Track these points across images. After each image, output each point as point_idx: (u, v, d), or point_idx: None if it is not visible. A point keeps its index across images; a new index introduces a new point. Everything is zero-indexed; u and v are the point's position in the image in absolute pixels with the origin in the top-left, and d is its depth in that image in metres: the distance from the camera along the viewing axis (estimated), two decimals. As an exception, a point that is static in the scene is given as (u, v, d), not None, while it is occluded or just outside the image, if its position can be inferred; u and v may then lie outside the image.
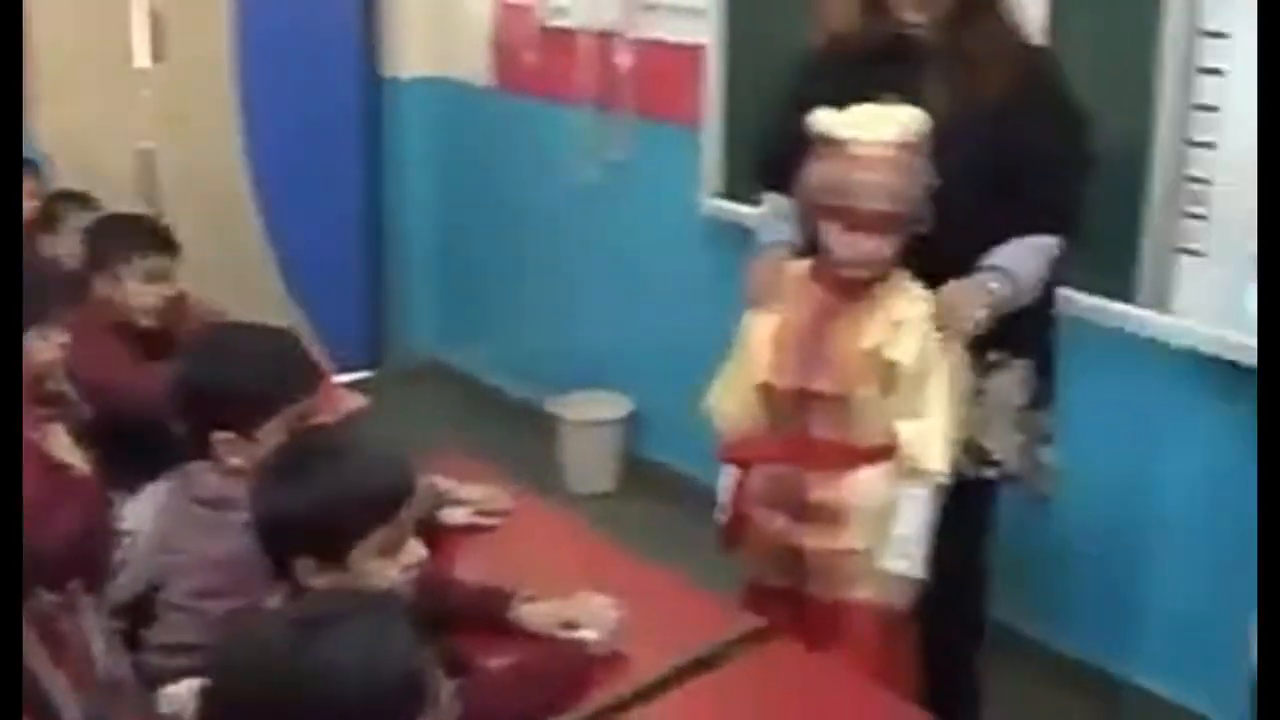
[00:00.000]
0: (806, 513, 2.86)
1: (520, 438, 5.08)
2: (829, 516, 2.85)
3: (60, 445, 2.77)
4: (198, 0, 5.22)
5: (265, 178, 5.49)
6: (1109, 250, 3.30)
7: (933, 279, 2.83)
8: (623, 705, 2.32)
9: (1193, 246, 3.36)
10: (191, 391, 2.44)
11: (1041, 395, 3.08)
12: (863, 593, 2.85)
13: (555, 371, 5.34)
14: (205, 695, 1.77)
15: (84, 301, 3.38)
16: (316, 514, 2.05)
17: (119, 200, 4.17)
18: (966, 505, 3.03)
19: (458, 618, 2.42)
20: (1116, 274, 3.40)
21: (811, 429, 2.87)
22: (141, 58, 5.13)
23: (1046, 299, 3.01)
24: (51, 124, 4.75)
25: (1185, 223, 3.36)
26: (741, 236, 4.25)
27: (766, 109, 3.14)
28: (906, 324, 2.79)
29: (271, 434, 2.37)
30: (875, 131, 2.74)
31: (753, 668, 2.48)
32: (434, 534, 2.45)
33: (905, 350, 2.78)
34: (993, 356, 2.99)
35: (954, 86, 2.87)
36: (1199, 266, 3.35)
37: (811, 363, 2.84)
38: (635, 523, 4.25)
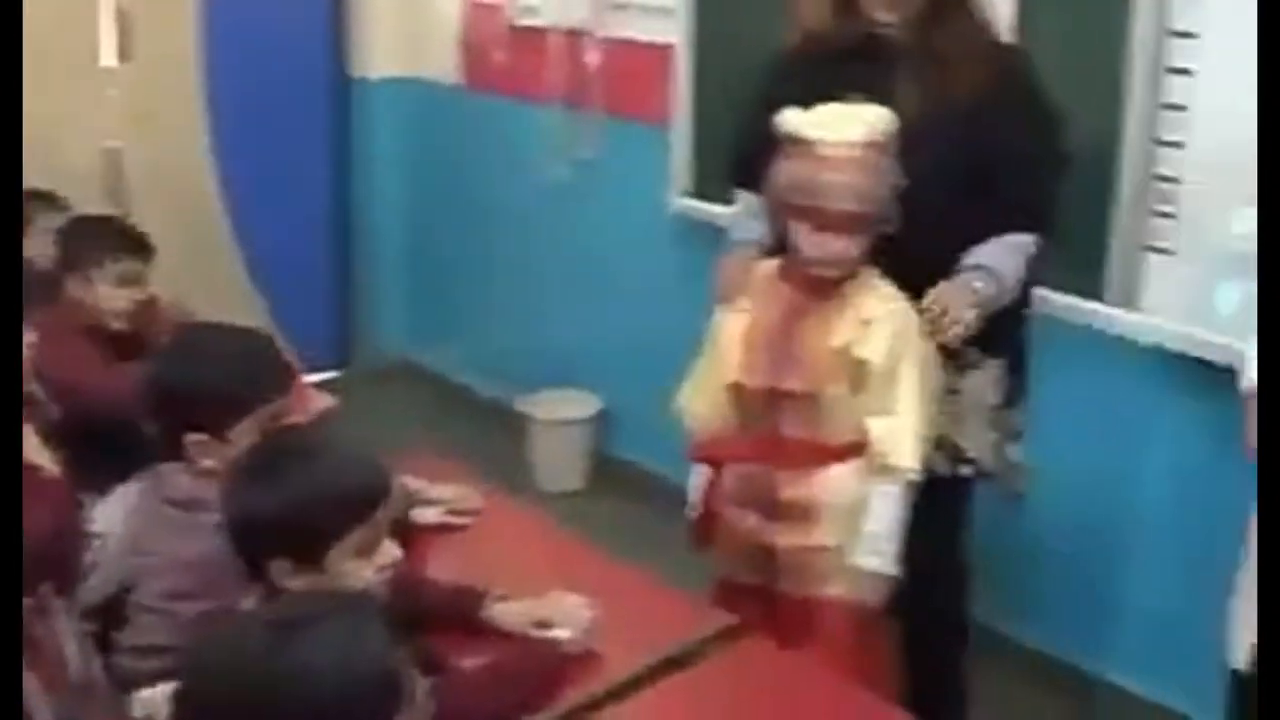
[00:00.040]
0: (778, 511, 2.87)
1: (489, 437, 5.07)
2: (800, 514, 2.86)
3: (29, 446, 2.75)
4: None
5: (233, 177, 5.46)
6: (1078, 248, 3.31)
7: (908, 278, 2.83)
8: (596, 704, 2.33)
9: (1161, 245, 3.37)
10: (163, 392, 2.44)
11: (1014, 393, 3.10)
12: (834, 590, 2.86)
13: (524, 370, 5.34)
14: (179, 698, 1.76)
15: (55, 302, 3.36)
16: (292, 515, 2.05)
17: (86, 200, 4.14)
18: (943, 504, 3.06)
19: (431, 617, 2.42)
20: (1086, 272, 3.41)
21: (782, 428, 2.87)
22: (108, 57, 5.10)
23: (1022, 298, 3.03)
24: (18, 123, 4.71)
25: (1154, 221, 3.37)
26: (711, 235, 4.25)
27: (738, 107, 3.14)
28: (876, 322, 2.80)
29: (244, 435, 2.36)
30: (842, 132, 2.74)
31: (725, 665, 2.49)
32: (406, 534, 2.44)
33: (875, 348, 2.79)
34: (967, 356, 3.00)
35: (926, 86, 2.88)
36: (1168, 265, 3.37)
37: (781, 361, 2.85)
38: (604, 521, 4.24)
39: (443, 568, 2.68)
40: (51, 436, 2.86)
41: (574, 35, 4.88)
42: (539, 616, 2.44)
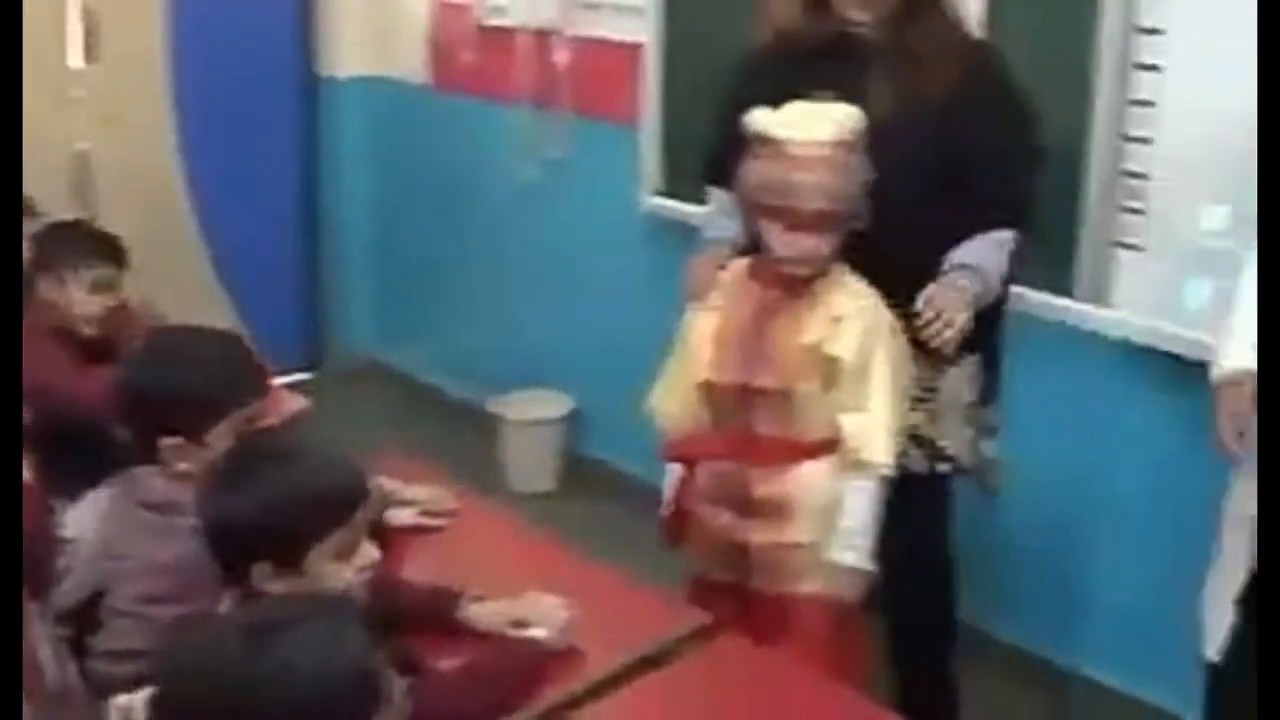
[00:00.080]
0: (751, 508, 2.87)
1: (459, 437, 5.06)
2: (774, 511, 2.86)
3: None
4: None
5: (200, 177, 5.44)
6: (1049, 245, 3.32)
7: (885, 277, 2.84)
8: (573, 703, 2.33)
9: (1131, 241, 3.39)
10: (137, 396, 2.42)
11: (989, 390, 3.12)
12: (810, 586, 2.87)
13: (494, 371, 5.33)
14: (156, 703, 1.76)
15: (27, 303, 3.34)
16: (272, 518, 2.04)
17: (54, 201, 4.12)
18: (923, 501, 3.09)
19: (407, 618, 2.41)
20: (1056, 268, 3.43)
21: (754, 425, 2.88)
22: (75, 58, 5.07)
23: (1001, 295, 3.04)
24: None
25: (1123, 217, 3.39)
26: (681, 234, 4.25)
27: (710, 106, 3.14)
28: (847, 319, 2.81)
29: (219, 438, 2.35)
30: (811, 131, 2.75)
31: (701, 664, 2.49)
32: (381, 535, 2.43)
33: (846, 345, 2.80)
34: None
35: (899, 84, 2.89)
36: (1137, 261, 3.39)
37: (753, 359, 2.85)
38: (577, 521, 4.24)
39: (418, 569, 2.68)
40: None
41: (542, 35, 4.87)
42: (515, 616, 2.44)
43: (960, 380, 3.06)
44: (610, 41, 4.66)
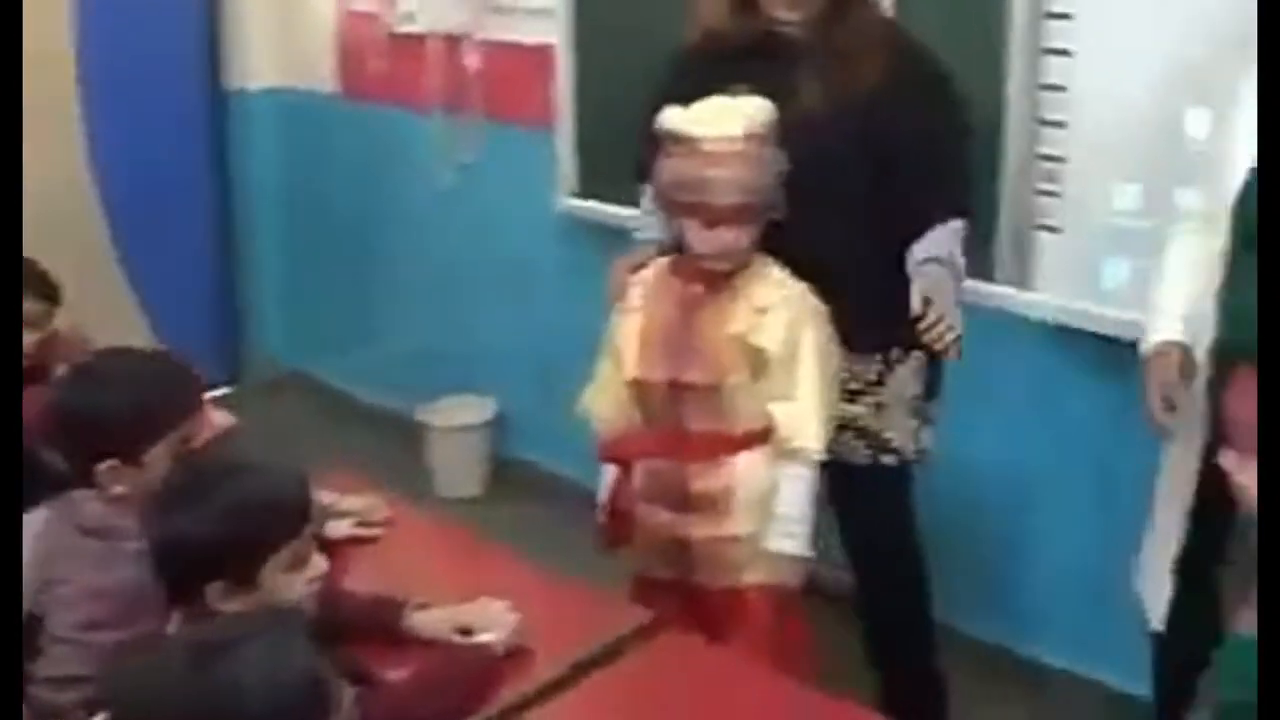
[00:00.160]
0: (689, 504, 2.88)
1: (384, 446, 5.04)
2: (712, 505, 2.87)
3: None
4: (38, 17, 5.09)
5: (111, 193, 5.37)
6: (969, 230, 3.35)
7: (821, 270, 2.85)
8: (521, 706, 2.32)
9: (1049, 223, 3.43)
10: (71, 419, 2.39)
11: (934, 383, 3.14)
12: (751, 577, 2.88)
13: (416, 378, 5.30)
14: (110, 726, 1.75)
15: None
16: (229, 532, 2.04)
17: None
18: (876, 494, 3.14)
19: (352, 629, 2.40)
20: (977, 253, 3.44)
21: (687, 421, 2.89)
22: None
23: None
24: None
25: (1040, 200, 3.43)
26: (599, 234, 4.27)
27: (626, 106, 3.14)
28: (771, 310, 2.82)
29: (156, 459, 2.33)
30: (722, 126, 2.76)
31: (646, 662, 2.49)
32: (322, 547, 2.42)
33: (771, 335, 2.81)
34: (894, 354, 3.05)
35: (828, 82, 2.91)
36: (1056, 243, 3.42)
37: (680, 355, 2.86)
38: (506, 525, 4.23)
39: (357, 579, 2.66)
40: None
41: (453, 40, 4.86)
42: (460, 623, 2.44)
43: (906, 375, 3.09)
44: (521, 45, 4.65)
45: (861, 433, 3.08)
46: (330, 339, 5.86)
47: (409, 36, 5.02)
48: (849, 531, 3.23)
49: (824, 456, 2.86)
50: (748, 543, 2.85)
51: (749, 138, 2.77)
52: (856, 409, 3.06)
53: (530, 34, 4.60)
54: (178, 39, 5.54)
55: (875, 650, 3.35)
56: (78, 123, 5.27)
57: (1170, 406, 2.50)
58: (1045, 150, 3.39)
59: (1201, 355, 2.54)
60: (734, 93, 2.80)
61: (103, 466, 2.33)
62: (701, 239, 2.82)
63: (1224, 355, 2.44)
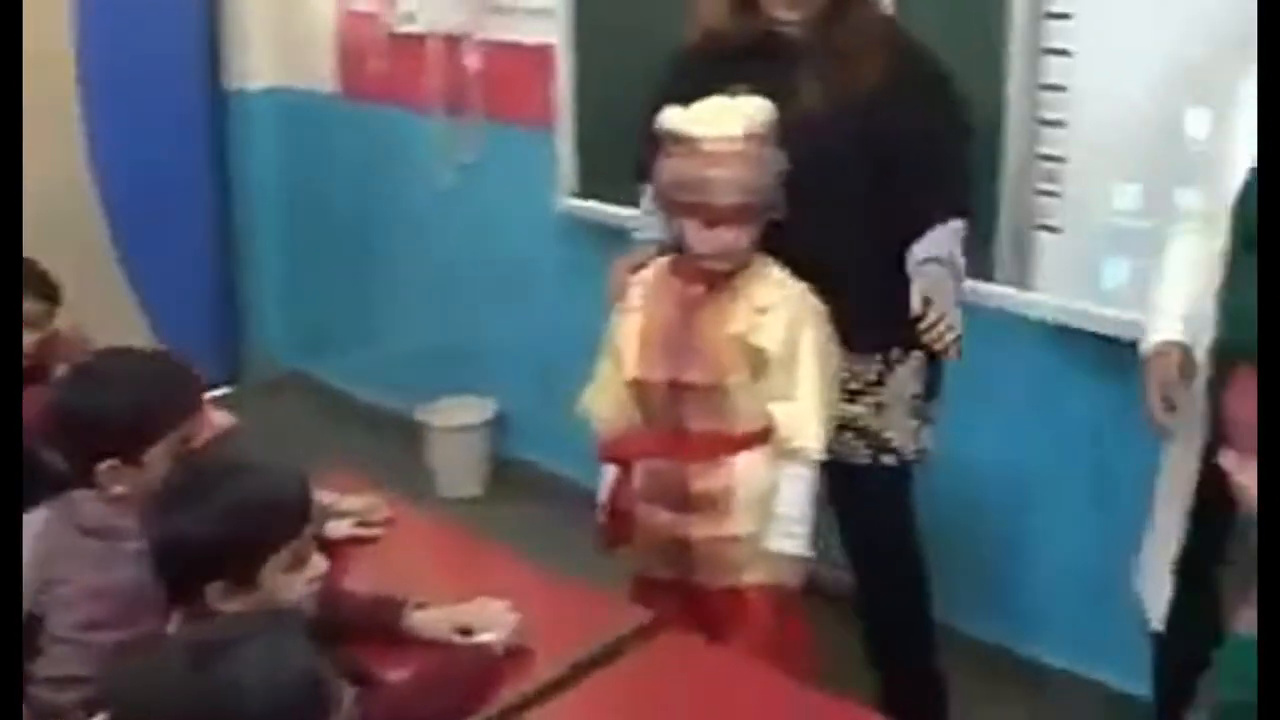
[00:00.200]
0: (689, 504, 2.88)
1: (385, 446, 5.04)
2: (712, 505, 2.87)
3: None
4: (38, 17, 5.09)
5: (112, 193, 5.37)
6: (969, 230, 3.36)
7: (822, 270, 2.85)
8: (521, 706, 2.33)
9: (1049, 223, 3.42)
10: (72, 419, 2.39)
11: (933, 383, 3.14)
12: (752, 577, 2.88)
13: (417, 378, 5.31)
14: (110, 726, 1.75)
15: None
16: (230, 532, 2.04)
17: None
18: (875, 494, 3.14)
19: (352, 629, 2.40)
20: (977, 253, 3.44)
21: (687, 421, 2.89)
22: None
23: None
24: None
25: (1040, 200, 3.42)
26: (599, 234, 4.27)
27: (626, 105, 3.14)
28: (771, 309, 2.82)
29: (157, 459, 2.33)
30: (722, 126, 2.76)
31: (647, 662, 2.49)
32: (323, 547, 2.42)
33: (771, 335, 2.81)
34: (894, 354, 3.05)
35: (828, 82, 2.90)
36: (1056, 242, 3.42)
37: (681, 355, 2.86)
38: (506, 525, 4.22)
39: (357, 579, 2.67)
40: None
41: (452, 40, 4.86)
42: (460, 623, 2.44)
43: (906, 376, 3.09)
44: (521, 45, 4.65)
45: (861, 433, 3.08)
46: (330, 339, 5.87)
47: (409, 36, 5.02)
48: (849, 531, 3.23)
49: (824, 456, 2.86)
50: (748, 543, 2.85)
51: (749, 138, 2.77)
52: (856, 409, 3.06)
53: (530, 34, 4.60)
54: (177, 39, 5.54)
55: (875, 650, 3.34)
56: (78, 123, 5.26)
57: (1170, 406, 2.50)
58: (1045, 150, 3.39)
59: (1201, 355, 2.54)
60: (734, 93, 2.80)
61: (103, 466, 2.33)
62: (701, 239, 2.82)
63: (1224, 355, 2.44)
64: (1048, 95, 3.37)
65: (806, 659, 2.90)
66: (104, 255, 5.41)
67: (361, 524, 2.90)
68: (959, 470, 3.41)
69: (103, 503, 2.35)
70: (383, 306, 5.58)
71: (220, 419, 2.62)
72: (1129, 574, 2.86)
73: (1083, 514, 3.59)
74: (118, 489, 2.34)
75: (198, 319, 5.71)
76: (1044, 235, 3.44)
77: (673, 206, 2.85)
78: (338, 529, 2.83)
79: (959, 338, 2.71)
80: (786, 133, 2.80)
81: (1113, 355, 3.22)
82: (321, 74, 5.48)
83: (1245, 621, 2.01)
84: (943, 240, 2.89)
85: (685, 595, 2.92)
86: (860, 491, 3.12)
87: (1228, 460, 2.07)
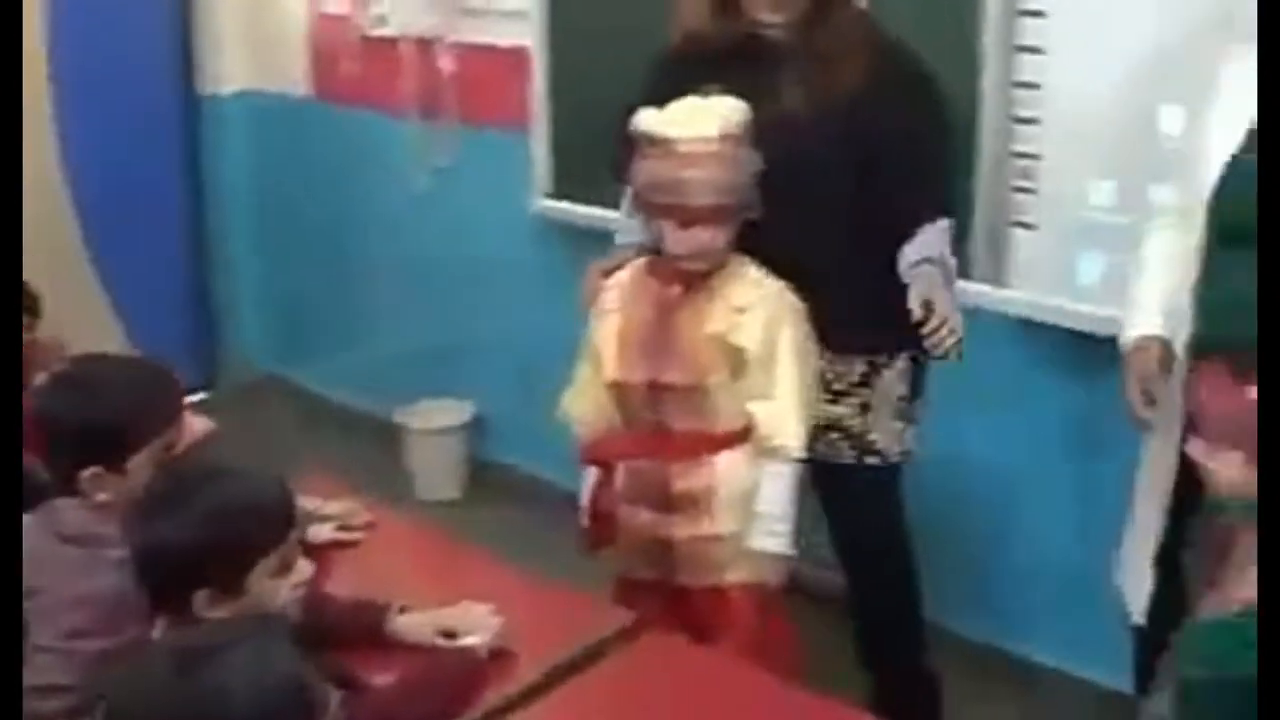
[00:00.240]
0: (671, 504, 2.89)
1: (361, 449, 5.04)
2: (694, 505, 2.87)
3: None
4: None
5: (85, 198, 5.35)
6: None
7: (803, 272, 2.86)
8: (506, 708, 2.33)
9: (1024, 220, 3.44)
10: (54, 427, 2.38)
11: (917, 384, 3.15)
12: (735, 576, 2.89)
13: (394, 381, 5.29)
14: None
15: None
16: (216, 538, 2.03)
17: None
18: (861, 494, 3.15)
19: (336, 633, 2.40)
20: (953, 250, 3.46)
21: (667, 421, 2.89)
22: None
23: None
24: None
25: (1015, 197, 3.44)
26: (574, 235, 4.27)
27: (614, 107, 3.13)
28: (749, 309, 2.83)
29: (139, 466, 2.32)
30: (697, 127, 2.77)
31: (631, 663, 2.50)
32: (306, 552, 2.42)
33: (749, 334, 2.82)
34: (881, 358, 3.06)
35: (811, 84, 2.91)
36: (1031, 239, 3.44)
37: (660, 356, 2.86)
38: (485, 527, 4.22)
39: (339, 584, 2.66)
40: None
41: (425, 43, 4.85)
42: (443, 626, 2.44)
43: (894, 378, 3.10)
44: (495, 47, 4.64)
45: (846, 434, 3.08)
46: (306, 343, 5.85)
47: (381, 39, 5.01)
48: (837, 531, 3.24)
49: (804, 454, 2.86)
50: (730, 542, 2.86)
51: (724, 138, 2.77)
52: (841, 410, 3.07)
53: (504, 36, 4.59)
54: (149, 41, 5.52)
55: (866, 650, 3.35)
56: (49, 123, 5.23)
57: (1151, 400, 2.51)
58: (1019, 147, 3.41)
59: (1180, 350, 2.56)
60: (706, 93, 2.81)
61: (86, 474, 2.32)
62: (677, 239, 2.82)
63: (1200, 350, 2.45)
64: (1022, 93, 3.38)
65: (791, 657, 2.91)
66: (76, 259, 5.38)
67: (342, 528, 2.90)
68: (939, 468, 3.41)
69: (84, 510, 2.33)
70: (359, 310, 5.57)
71: (199, 424, 2.62)
72: (1104, 567, 2.87)
73: (1068, 511, 3.60)
74: (100, 496, 2.33)
75: (172, 324, 5.67)
76: (1019, 232, 3.45)
77: (649, 208, 2.86)
78: (319, 534, 2.83)
79: (959, 340, 2.72)
80: (769, 135, 2.81)
81: (1088, 351, 3.23)
82: (294, 77, 5.46)
83: (1212, 604, 2.04)
84: (933, 241, 2.89)
85: (668, 596, 2.92)
86: (847, 491, 3.13)
87: (1194, 448, 2.09)
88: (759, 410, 2.83)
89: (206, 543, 2.03)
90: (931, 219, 2.91)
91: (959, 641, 3.75)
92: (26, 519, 2.40)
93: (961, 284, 3.41)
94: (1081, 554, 3.41)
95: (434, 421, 5.09)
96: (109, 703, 1.72)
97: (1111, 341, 2.69)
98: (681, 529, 2.88)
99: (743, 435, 2.86)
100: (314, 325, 5.80)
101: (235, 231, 5.87)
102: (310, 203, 5.60)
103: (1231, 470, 2.00)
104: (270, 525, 2.08)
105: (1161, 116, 3.08)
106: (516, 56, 4.52)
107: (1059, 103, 3.32)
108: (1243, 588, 1.92)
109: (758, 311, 2.83)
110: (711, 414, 2.86)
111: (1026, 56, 3.36)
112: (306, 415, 5.65)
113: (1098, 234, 3.27)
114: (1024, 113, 3.38)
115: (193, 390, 5.31)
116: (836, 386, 3.04)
